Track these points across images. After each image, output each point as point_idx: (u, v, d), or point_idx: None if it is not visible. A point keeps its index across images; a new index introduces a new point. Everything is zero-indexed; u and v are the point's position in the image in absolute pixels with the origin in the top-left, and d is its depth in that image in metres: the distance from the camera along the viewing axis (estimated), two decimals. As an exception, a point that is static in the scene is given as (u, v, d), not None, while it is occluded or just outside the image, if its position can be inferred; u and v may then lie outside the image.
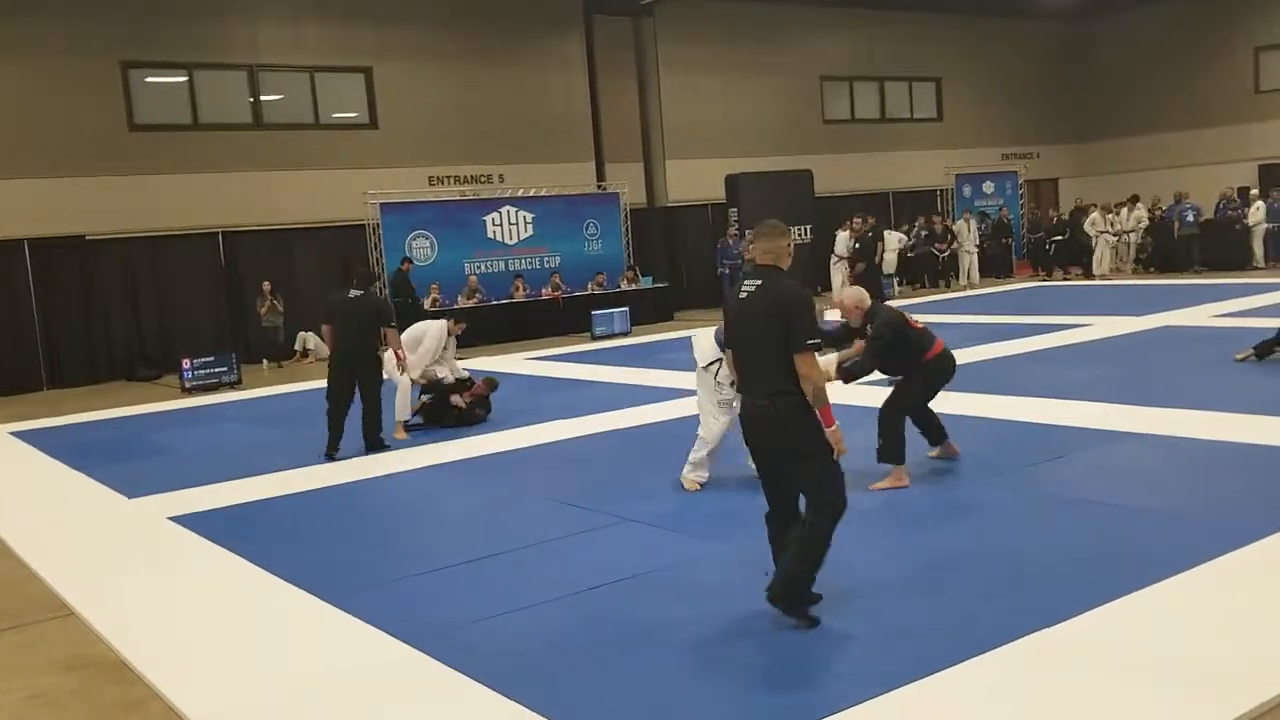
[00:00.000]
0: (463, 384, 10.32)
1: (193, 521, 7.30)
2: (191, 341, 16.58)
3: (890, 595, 4.93)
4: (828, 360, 6.38)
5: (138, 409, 13.50)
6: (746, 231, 22.00)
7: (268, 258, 18.45)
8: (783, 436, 4.58)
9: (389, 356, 9.62)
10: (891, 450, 6.88)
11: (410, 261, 18.37)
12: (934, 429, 7.33)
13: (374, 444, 9.29)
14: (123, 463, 9.84)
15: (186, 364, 14.96)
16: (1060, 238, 22.99)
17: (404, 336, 9.94)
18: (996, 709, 3.75)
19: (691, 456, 7.21)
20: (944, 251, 22.77)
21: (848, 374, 6.85)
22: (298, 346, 18.12)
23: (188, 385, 14.83)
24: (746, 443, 4.88)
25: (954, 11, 26.51)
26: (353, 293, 9.37)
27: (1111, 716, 3.64)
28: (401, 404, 9.88)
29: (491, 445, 9.22)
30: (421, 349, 10.06)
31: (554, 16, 21.80)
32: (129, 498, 8.24)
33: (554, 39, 21.89)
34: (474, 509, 7.46)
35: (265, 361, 17.43)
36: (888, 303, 9.71)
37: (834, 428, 4.54)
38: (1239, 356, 10.44)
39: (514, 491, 7.73)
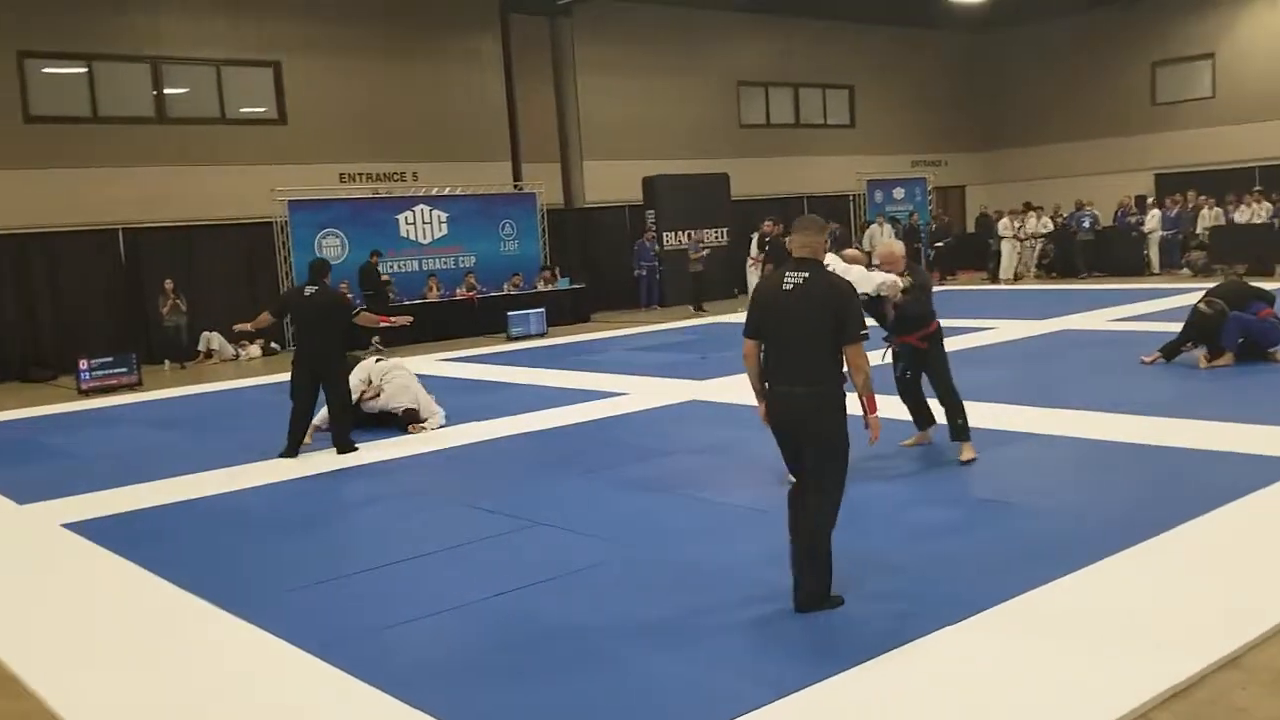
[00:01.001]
0: (411, 414, 9.91)
1: (88, 529, 7.07)
2: (89, 341, 16.05)
3: (781, 600, 4.96)
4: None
5: (31, 411, 13.04)
6: (664, 234, 22.14)
7: (170, 256, 17.95)
8: (816, 424, 4.71)
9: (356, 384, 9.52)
10: (965, 424, 7.26)
11: (379, 254, 18.39)
12: (928, 412, 7.68)
13: (343, 446, 8.95)
14: (13, 467, 9.51)
15: (84, 364, 14.50)
16: (942, 242, 24.07)
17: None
18: (898, 709, 3.81)
19: None
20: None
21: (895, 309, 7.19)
22: (201, 347, 17.67)
23: (84, 386, 14.38)
24: (775, 428, 4.88)
25: (867, 21, 26.94)
26: (309, 289, 9.05)
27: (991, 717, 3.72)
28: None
29: (403, 448, 9.10)
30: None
31: (469, 14, 21.65)
32: (19, 504, 7.95)
33: (470, 37, 21.73)
34: (383, 513, 7.35)
35: (167, 363, 17.00)
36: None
37: (876, 415, 4.79)
38: (1147, 359, 10.72)
39: (425, 495, 7.64)
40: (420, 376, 10.70)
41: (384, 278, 18.50)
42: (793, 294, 4.75)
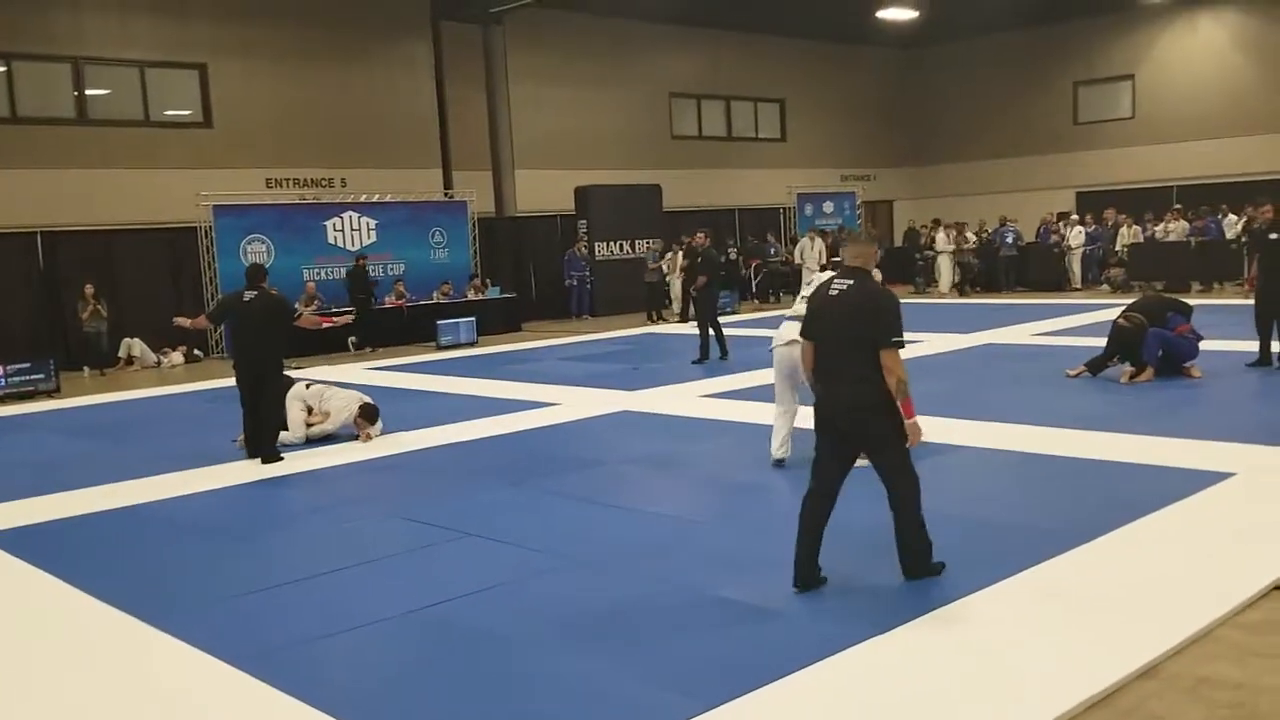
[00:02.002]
0: (369, 409, 9.75)
1: (1, 539, 6.87)
2: (5, 346, 15.59)
3: (727, 608, 4.99)
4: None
5: (-56, 417, 12.66)
6: (595, 245, 22.14)
7: (91, 260, 17.53)
8: (855, 422, 5.01)
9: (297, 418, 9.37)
10: None
11: (365, 258, 18.73)
12: None
13: (265, 453, 8.79)
14: (-75, 475, 9.21)
15: (-1, 370, 14.13)
16: None
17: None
18: (831, 716, 3.83)
19: None
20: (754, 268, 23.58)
21: None
22: (122, 354, 17.28)
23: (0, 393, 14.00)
24: (819, 427, 5.14)
25: (799, 35, 27.27)
26: (248, 294, 8.92)
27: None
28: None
29: (330, 458, 8.98)
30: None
31: (401, 20, 21.49)
32: (-69, 513, 7.71)
33: (401, 43, 21.58)
34: (311, 524, 7.25)
35: (87, 369, 16.59)
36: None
37: (914, 420, 4.95)
38: (1071, 373, 10.95)
39: (354, 506, 7.53)
40: (350, 386, 10.60)
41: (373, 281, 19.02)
42: (837, 300, 5.08)
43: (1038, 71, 27.86)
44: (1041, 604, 4.79)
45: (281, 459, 8.85)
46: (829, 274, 6.66)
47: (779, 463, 7.68)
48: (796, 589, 5.08)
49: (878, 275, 5.70)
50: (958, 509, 6.43)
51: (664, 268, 21.05)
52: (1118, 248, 22.06)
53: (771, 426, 7.74)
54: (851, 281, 5.06)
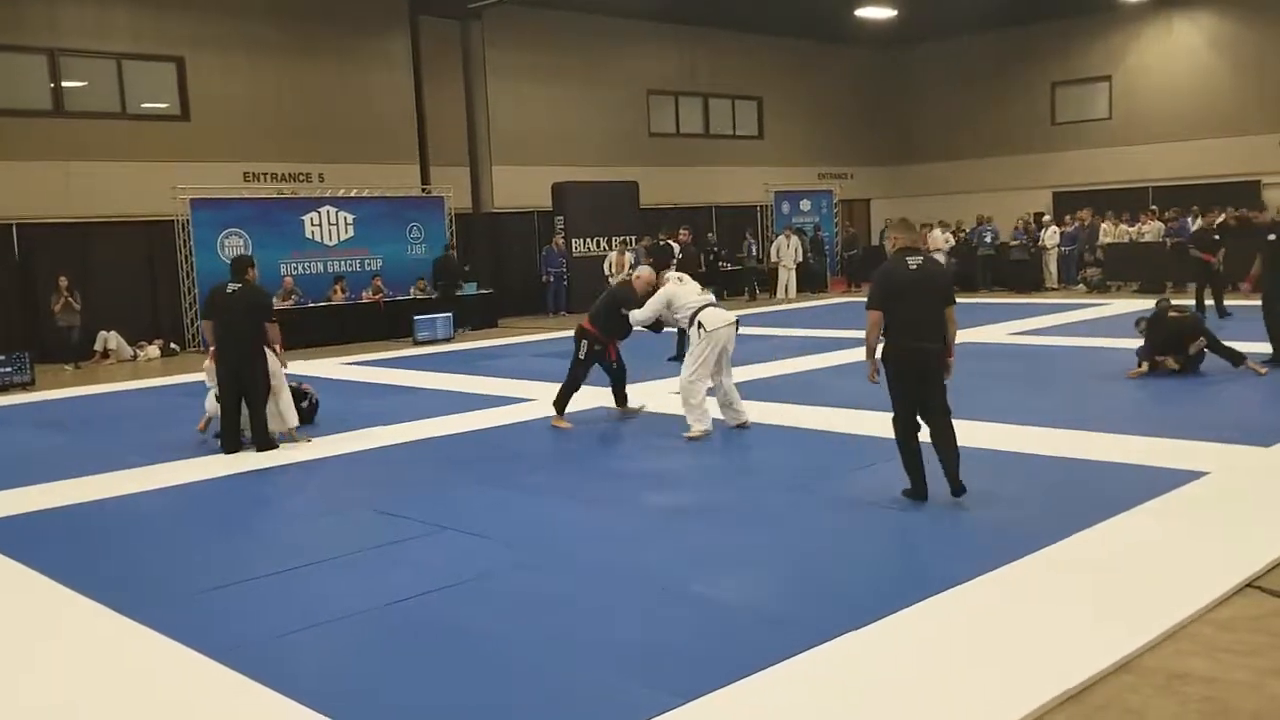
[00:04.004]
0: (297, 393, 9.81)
1: (-25, 532, 6.82)
2: (-21, 340, 15.50)
3: (703, 603, 5.01)
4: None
5: (-85, 411, 12.54)
6: (573, 240, 22.14)
7: (66, 252, 17.37)
8: (938, 367, 6.33)
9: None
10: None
11: (454, 247, 19.75)
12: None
13: (262, 443, 8.83)
14: (-104, 468, 9.12)
15: (-28, 363, 14.01)
16: (850, 254, 25.08)
17: None
18: (806, 711, 3.86)
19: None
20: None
21: None
22: (98, 347, 17.16)
23: (-27, 386, 13.88)
24: (905, 375, 6.35)
25: (776, 33, 27.31)
26: (231, 286, 8.89)
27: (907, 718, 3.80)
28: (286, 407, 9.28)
29: (306, 452, 8.95)
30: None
31: (378, 14, 21.42)
32: (-98, 506, 7.64)
33: (378, 37, 21.50)
34: (285, 518, 7.24)
35: (69, 366, 16.37)
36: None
37: (953, 358, 6.39)
38: (1132, 374, 10.71)
39: (329, 500, 7.53)
40: (327, 380, 10.55)
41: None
42: (918, 273, 6.27)
43: (1015, 72, 28.02)
44: (1014, 600, 4.83)
45: (277, 447, 8.88)
46: (695, 287, 8.86)
47: (705, 434, 8.33)
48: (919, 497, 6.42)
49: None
50: (939, 506, 6.47)
51: (607, 268, 20.98)
52: (1098, 246, 22.20)
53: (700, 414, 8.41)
54: (921, 258, 6.34)
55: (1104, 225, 22.44)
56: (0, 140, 17.19)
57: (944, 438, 6.35)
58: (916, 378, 6.31)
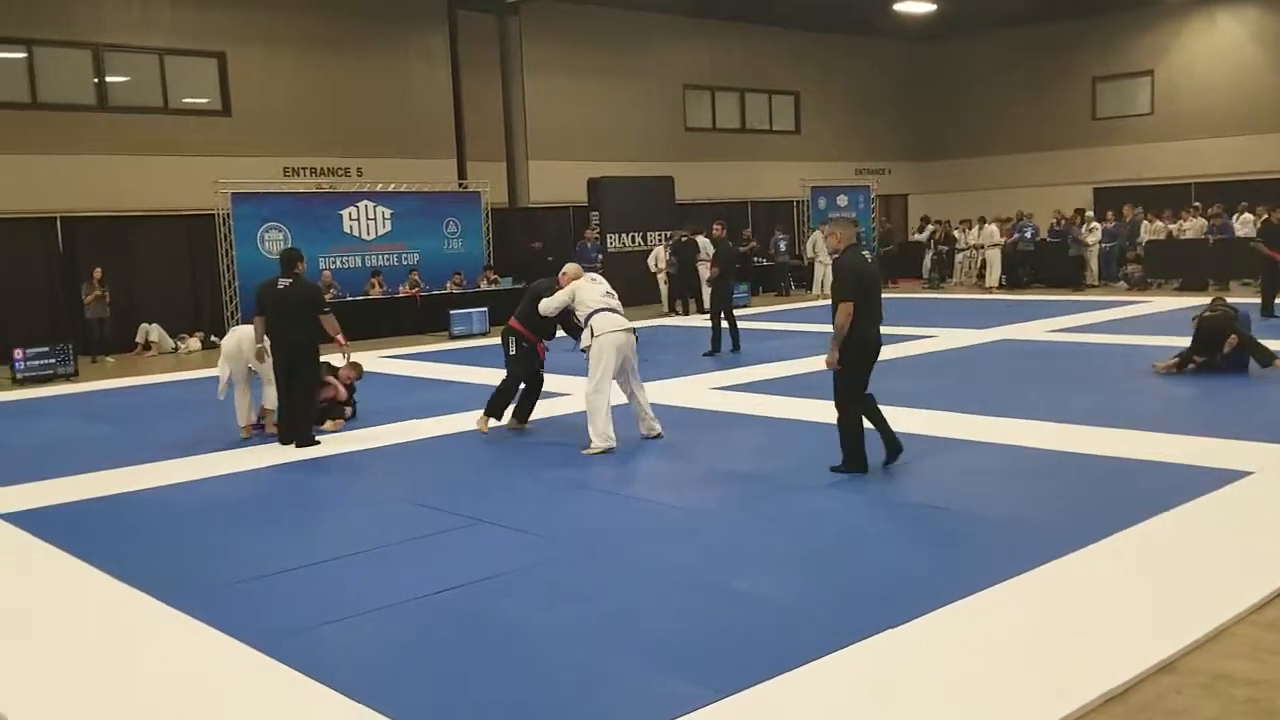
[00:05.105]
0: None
1: (22, 519, 6.94)
2: (25, 331, 15.72)
3: (737, 599, 5.01)
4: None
5: (-37, 401, 12.77)
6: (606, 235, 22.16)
7: (109, 246, 17.62)
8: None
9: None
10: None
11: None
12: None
13: (301, 438, 8.87)
14: (-56, 457, 9.29)
15: (19, 354, 14.23)
16: (885, 249, 24.92)
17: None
18: (843, 708, 3.85)
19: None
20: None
21: None
22: (140, 339, 17.38)
23: (19, 376, 14.11)
24: (868, 360, 7.03)
25: (814, 28, 27.19)
26: (282, 282, 8.90)
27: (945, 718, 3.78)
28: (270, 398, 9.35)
29: (345, 444, 9.03)
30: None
31: (417, 9, 21.51)
32: (-49, 494, 7.78)
33: (417, 32, 21.59)
34: (325, 509, 7.31)
35: (110, 357, 16.57)
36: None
37: None
38: (1159, 366, 10.66)
39: (367, 492, 7.60)
40: (364, 374, 10.65)
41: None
42: (873, 267, 7.10)
43: (1056, 66, 27.72)
44: (1055, 599, 4.79)
45: (318, 443, 8.94)
46: (603, 289, 8.63)
47: (608, 450, 8.12)
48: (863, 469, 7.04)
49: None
50: (973, 505, 6.44)
51: (651, 265, 21.13)
52: (1139, 242, 21.93)
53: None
54: (868, 252, 7.03)
55: (1145, 222, 22.16)
56: (46, 135, 17.42)
57: (877, 409, 7.17)
58: (873, 361, 7.07)
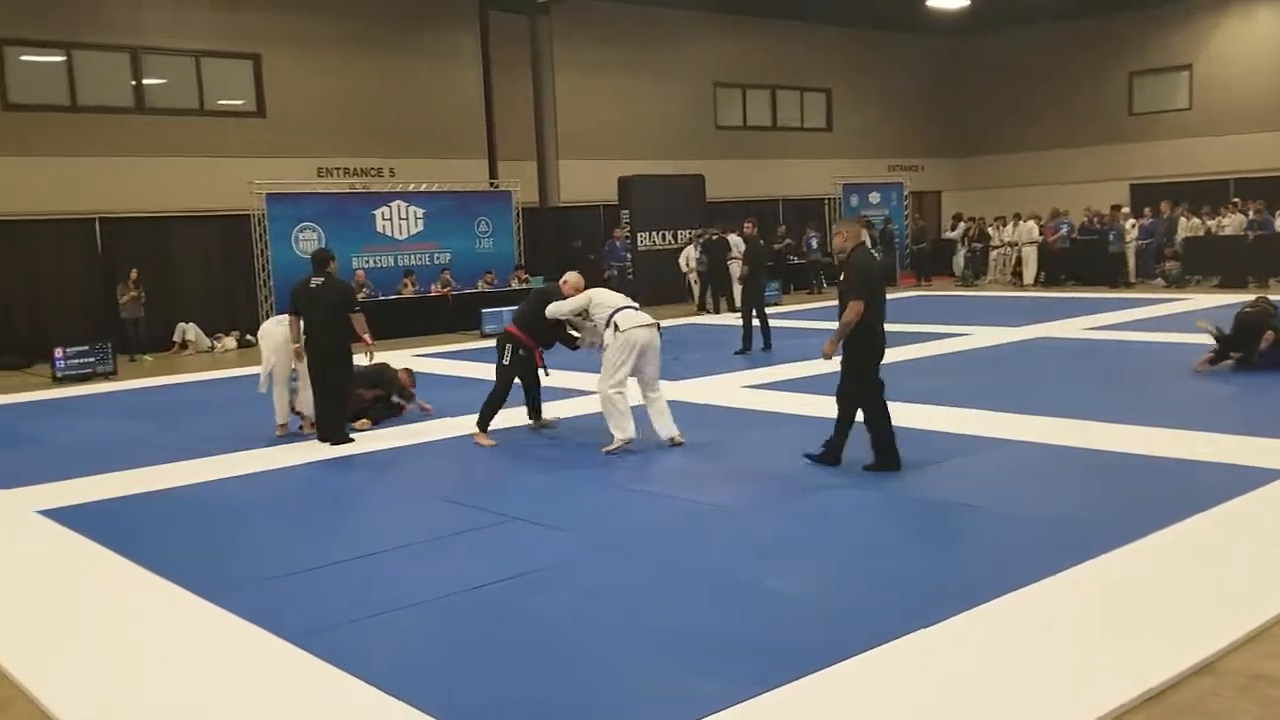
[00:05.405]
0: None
1: (63, 515, 7.04)
2: (65, 330, 15.93)
3: (770, 597, 5.00)
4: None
5: (5, 398, 12.97)
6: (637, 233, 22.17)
7: (146, 246, 17.87)
8: None
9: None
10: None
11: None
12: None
13: (337, 437, 8.95)
14: (-12, 454, 9.44)
15: (59, 353, 14.44)
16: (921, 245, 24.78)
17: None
18: (878, 708, 3.84)
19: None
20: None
21: None
22: (176, 338, 17.59)
23: (60, 375, 14.30)
24: (878, 356, 7.15)
25: (845, 24, 27.07)
26: (314, 281, 8.99)
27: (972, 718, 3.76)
28: (305, 400, 9.45)
29: (378, 441, 9.10)
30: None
31: (449, 10, 21.60)
32: (-5, 490, 7.91)
33: (449, 33, 21.69)
34: (359, 506, 7.37)
35: (149, 356, 16.75)
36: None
37: None
38: (1197, 365, 10.57)
39: (400, 489, 7.65)
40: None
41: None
42: (880, 265, 7.16)
43: (1091, 61, 27.44)
44: (1097, 598, 4.76)
45: (351, 440, 9.01)
46: (618, 295, 8.63)
47: (626, 444, 8.12)
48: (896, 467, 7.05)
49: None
50: (1014, 503, 6.40)
51: (683, 264, 21.08)
52: (1176, 239, 21.69)
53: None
54: (877, 252, 6.53)
55: (1182, 218, 21.90)
56: (85, 137, 17.64)
57: (887, 414, 7.19)
58: (881, 356, 7.12)
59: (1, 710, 4.24)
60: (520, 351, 8.90)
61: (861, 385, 7.10)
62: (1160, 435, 7.85)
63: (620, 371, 8.17)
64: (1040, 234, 22.85)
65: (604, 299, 8.57)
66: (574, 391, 11.17)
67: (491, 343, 16.66)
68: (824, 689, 3.97)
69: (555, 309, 8.74)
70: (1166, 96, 26.74)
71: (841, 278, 7.33)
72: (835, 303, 7.51)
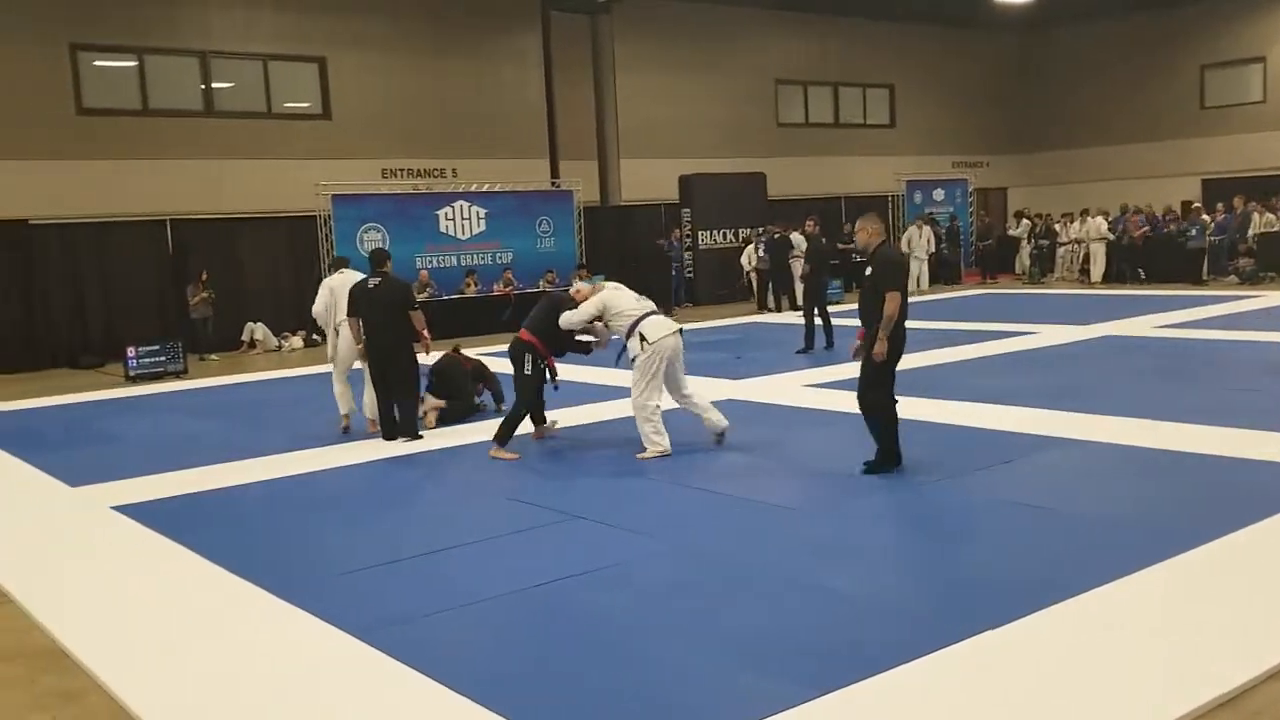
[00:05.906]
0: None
1: (136, 511, 7.20)
2: (137, 330, 16.30)
3: (832, 596, 4.98)
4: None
5: (80, 396, 13.30)
6: (689, 232, 22.14)
7: (215, 247, 18.24)
8: None
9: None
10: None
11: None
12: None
13: (403, 433, 9.08)
14: (65, 451, 9.69)
15: (131, 352, 14.77)
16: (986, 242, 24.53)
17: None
18: (946, 709, 3.81)
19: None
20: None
21: None
22: (245, 337, 17.91)
23: (132, 374, 14.63)
24: (898, 354, 7.06)
25: (908, 20, 26.81)
26: (372, 281, 9.09)
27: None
28: (369, 401, 9.52)
29: (442, 440, 9.18)
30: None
31: (511, 11, 21.75)
32: (71, 486, 8.11)
33: (511, 34, 21.84)
34: (422, 503, 7.45)
35: (215, 355, 17.07)
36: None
37: None
38: None
39: (465, 487, 7.72)
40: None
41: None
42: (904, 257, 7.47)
43: (1160, 55, 26.91)
44: (1167, 601, 4.67)
45: (420, 437, 9.13)
46: (631, 295, 8.33)
47: (663, 454, 7.99)
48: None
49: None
50: (1076, 504, 6.30)
51: (744, 263, 21.09)
52: (1249, 235, 21.18)
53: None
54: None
55: (1255, 214, 21.37)
56: (156, 140, 18.03)
57: (894, 414, 7.16)
58: (902, 350, 7.12)
59: (74, 700, 4.34)
60: (539, 362, 8.65)
61: (883, 377, 7.03)
62: (1235, 435, 7.66)
63: (653, 384, 8.05)
64: (1109, 230, 22.37)
65: (619, 305, 8.26)
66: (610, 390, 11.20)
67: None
68: (888, 690, 3.94)
69: (568, 319, 8.47)
70: (1239, 89, 26.14)
71: (868, 273, 7.21)
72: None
